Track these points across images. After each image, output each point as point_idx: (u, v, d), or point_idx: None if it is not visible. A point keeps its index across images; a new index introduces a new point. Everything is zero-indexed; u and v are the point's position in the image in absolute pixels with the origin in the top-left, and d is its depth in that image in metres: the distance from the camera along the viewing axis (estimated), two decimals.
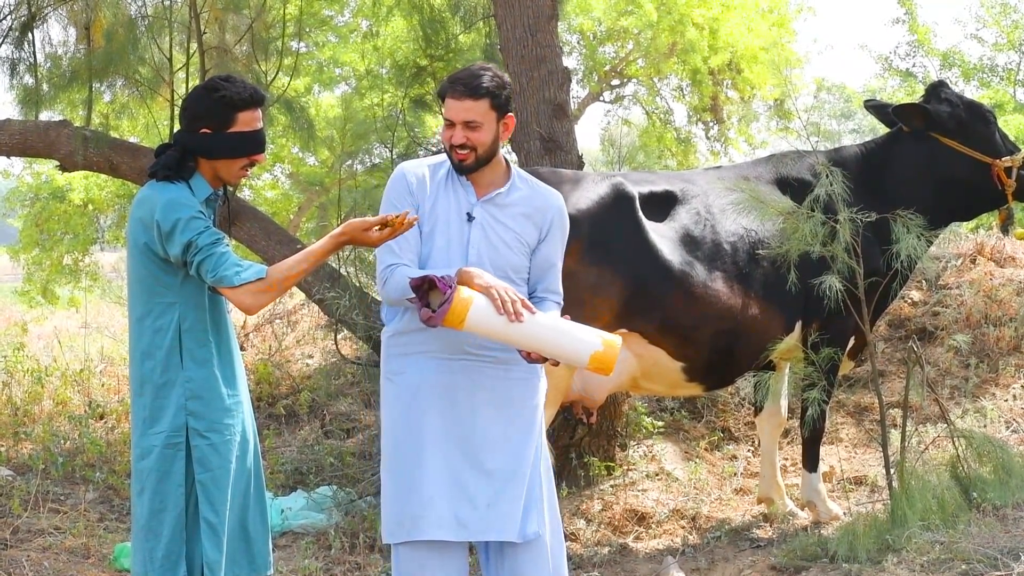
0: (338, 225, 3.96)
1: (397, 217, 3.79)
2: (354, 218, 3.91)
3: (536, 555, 3.99)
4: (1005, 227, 6.60)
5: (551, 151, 6.84)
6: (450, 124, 3.95)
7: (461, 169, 3.99)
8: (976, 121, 6.26)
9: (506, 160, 4.11)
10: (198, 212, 3.75)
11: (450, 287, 3.69)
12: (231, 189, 4.17)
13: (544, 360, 3.90)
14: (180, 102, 3.96)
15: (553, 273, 4.12)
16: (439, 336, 3.92)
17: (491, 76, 3.94)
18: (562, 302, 4.16)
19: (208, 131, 3.82)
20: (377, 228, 3.81)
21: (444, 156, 4.10)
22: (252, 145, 3.90)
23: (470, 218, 4.00)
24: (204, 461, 3.82)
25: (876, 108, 6.56)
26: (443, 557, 3.95)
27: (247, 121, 3.86)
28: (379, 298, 8.22)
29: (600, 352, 3.80)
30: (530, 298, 4.01)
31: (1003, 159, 6.20)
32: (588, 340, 3.82)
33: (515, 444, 4.00)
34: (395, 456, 4.01)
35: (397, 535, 3.96)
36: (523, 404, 4.05)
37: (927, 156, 6.25)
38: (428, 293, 3.74)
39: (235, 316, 10.38)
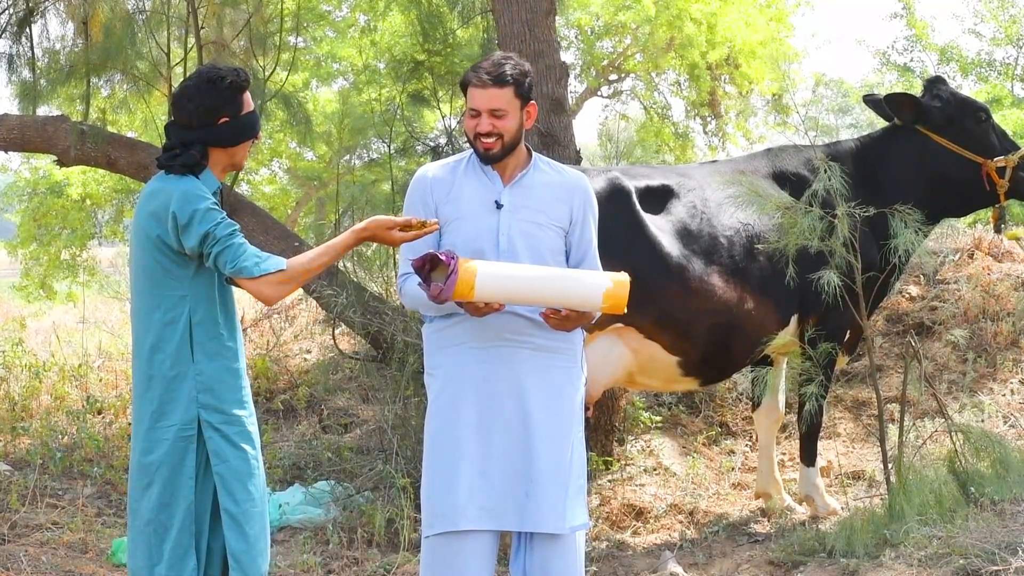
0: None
1: (421, 222, 3.81)
2: (379, 215, 3.92)
3: (566, 549, 3.98)
4: (997, 226, 6.60)
5: (549, 146, 6.84)
6: (475, 113, 3.96)
7: (488, 158, 3.99)
8: (967, 119, 6.26)
9: (527, 146, 4.12)
10: (214, 203, 3.76)
11: (453, 258, 3.70)
12: (225, 181, 4.17)
13: (568, 325, 3.90)
14: (175, 101, 3.93)
15: (592, 252, 4.12)
16: (476, 326, 3.92)
17: (513, 64, 3.98)
18: None
19: (227, 120, 3.84)
20: (400, 228, 3.83)
21: (464, 153, 4.12)
22: (258, 123, 3.98)
23: (498, 206, 4.00)
24: (220, 453, 3.82)
25: (875, 103, 6.56)
26: (475, 545, 3.94)
27: (248, 101, 3.93)
28: (376, 293, 8.24)
29: (611, 289, 3.81)
30: None
31: (996, 159, 6.20)
32: (597, 282, 3.84)
33: (556, 433, 3.99)
34: (434, 449, 4.01)
35: (435, 527, 3.96)
36: (563, 393, 4.04)
37: (918, 152, 6.26)
38: (431, 272, 3.75)
39: None
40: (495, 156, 3.98)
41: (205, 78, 3.86)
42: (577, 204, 4.08)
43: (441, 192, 4.04)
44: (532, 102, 4.04)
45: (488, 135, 3.95)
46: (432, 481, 4.00)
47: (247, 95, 3.90)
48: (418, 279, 3.81)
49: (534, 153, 4.13)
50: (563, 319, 3.87)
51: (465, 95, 4.02)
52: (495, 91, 3.93)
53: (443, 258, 3.71)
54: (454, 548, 3.93)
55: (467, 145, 4.12)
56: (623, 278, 3.86)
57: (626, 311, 3.91)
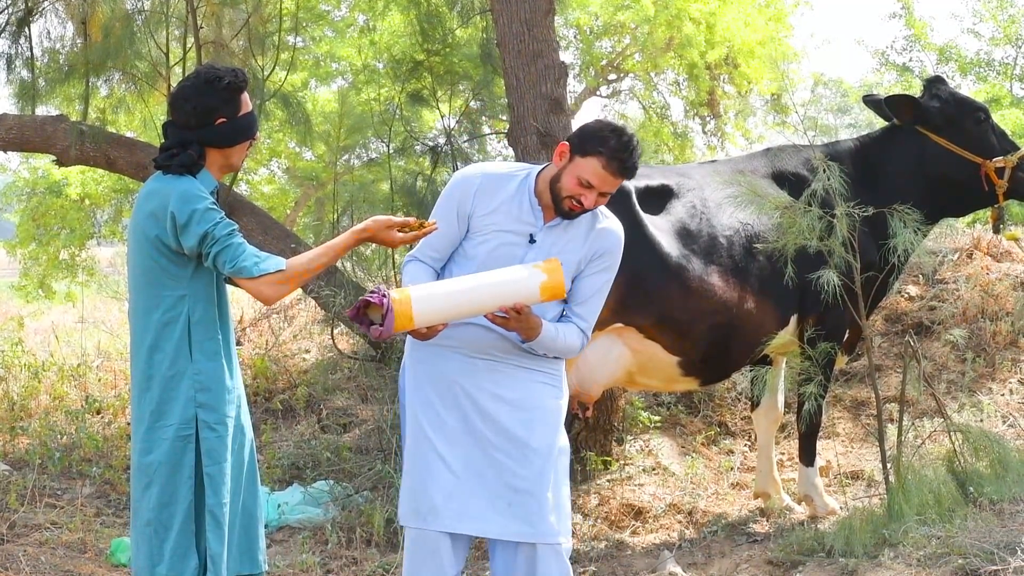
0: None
1: (420, 222, 3.81)
2: (379, 215, 3.92)
3: (551, 557, 3.97)
4: (996, 227, 6.60)
5: (548, 146, 6.83)
6: (585, 184, 3.85)
7: (569, 216, 3.94)
8: (966, 119, 6.26)
9: None
10: (213, 203, 3.76)
11: (384, 296, 3.68)
12: (223, 181, 4.16)
13: (511, 326, 3.80)
14: (173, 100, 3.92)
15: (591, 301, 4.03)
16: (466, 332, 3.91)
17: (639, 153, 3.88)
18: (588, 334, 4.06)
19: (224, 120, 3.83)
20: (399, 228, 3.83)
21: (523, 169, 4.05)
22: (255, 123, 3.95)
23: (531, 240, 3.96)
24: (213, 453, 3.82)
25: (874, 103, 6.56)
26: (454, 546, 3.98)
27: (246, 102, 3.91)
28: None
29: (546, 282, 3.74)
30: (561, 316, 4.01)
31: (995, 160, 6.20)
32: (531, 280, 3.75)
33: (538, 446, 3.97)
34: (414, 446, 4.02)
35: (411, 521, 3.99)
36: (544, 406, 4.02)
37: (917, 152, 6.26)
38: (367, 311, 3.73)
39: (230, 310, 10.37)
40: (574, 216, 3.95)
41: (203, 78, 3.86)
42: (600, 248, 4.00)
43: (483, 201, 3.97)
44: None
45: (582, 204, 3.88)
46: (411, 476, 4.02)
47: (245, 96, 3.90)
48: (359, 324, 3.78)
49: None
50: (507, 322, 3.79)
51: (578, 152, 3.88)
52: (620, 181, 3.89)
53: (374, 299, 3.69)
54: (431, 546, 3.97)
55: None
56: (553, 265, 3.78)
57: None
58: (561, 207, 3.91)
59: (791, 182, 6.14)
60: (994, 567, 4.45)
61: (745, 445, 7.66)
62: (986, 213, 8.41)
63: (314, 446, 7.37)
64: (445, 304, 3.73)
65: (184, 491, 3.81)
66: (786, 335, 6.07)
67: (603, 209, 4.08)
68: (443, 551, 3.96)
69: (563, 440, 4.08)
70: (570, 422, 6.79)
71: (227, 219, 3.76)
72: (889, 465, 5.70)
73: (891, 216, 5.64)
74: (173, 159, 3.79)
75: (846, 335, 6.20)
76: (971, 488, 5.37)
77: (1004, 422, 7.38)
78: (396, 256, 8.28)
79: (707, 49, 15.81)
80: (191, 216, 3.70)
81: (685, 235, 5.80)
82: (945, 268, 9.19)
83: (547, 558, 3.95)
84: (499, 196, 3.98)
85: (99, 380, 9.36)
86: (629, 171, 3.86)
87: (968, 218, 10.12)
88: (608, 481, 6.83)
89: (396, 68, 10.32)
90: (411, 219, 3.86)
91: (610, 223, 4.06)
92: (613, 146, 3.83)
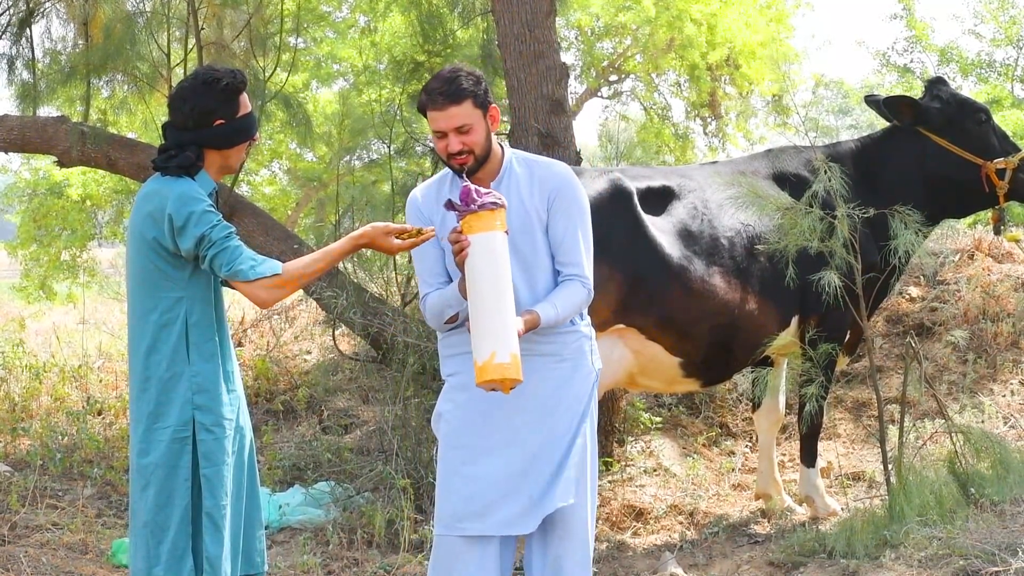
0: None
1: (418, 229, 3.81)
2: (377, 222, 3.92)
3: (565, 531, 3.98)
4: (997, 228, 6.61)
5: (549, 147, 6.84)
6: (441, 135, 3.90)
7: (465, 173, 3.93)
8: (966, 120, 6.26)
9: (501, 147, 4.05)
10: (210, 206, 3.76)
11: (477, 204, 3.68)
12: (225, 182, 4.16)
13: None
14: (171, 102, 3.92)
15: (569, 244, 3.98)
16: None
17: (465, 75, 3.90)
18: (586, 278, 3.99)
19: (222, 122, 3.83)
20: (396, 235, 3.83)
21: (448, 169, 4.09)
22: (254, 125, 3.96)
23: None
24: (210, 455, 3.82)
25: (876, 104, 6.56)
26: (476, 550, 3.95)
27: (245, 103, 3.91)
28: (376, 294, 8.24)
29: (479, 366, 3.65)
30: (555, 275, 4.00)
31: (995, 161, 6.20)
32: (487, 348, 3.64)
33: (559, 435, 3.96)
34: (445, 452, 4.03)
35: (437, 528, 4.01)
36: (567, 393, 4.00)
37: (918, 153, 6.27)
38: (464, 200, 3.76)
39: (232, 312, 10.37)
40: (471, 169, 3.94)
41: (201, 80, 3.86)
42: (551, 192, 3.98)
43: (432, 210, 4.01)
44: (492, 106, 3.97)
45: (459, 153, 3.90)
46: (439, 483, 4.04)
47: (244, 97, 3.90)
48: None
49: (507, 152, 4.06)
50: None
51: (426, 118, 3.96)
52: (454, 109, 3.86)
53: (469, 195, 3.71)
54: (454, 550, 3.96)
55: None
56: (501, 368, 3.61)
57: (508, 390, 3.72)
58: (455, 168, 3.95)
59: (792, 183, 6.14)
60: (995, 568, 4.45)
61: (746, 446, 7.66)
62: (987, 214, 8.40)
63: (315, 447, 7.37)
64: (485, 270, 3.67)
65: (181, 493, 3.81)
66: (787, 336, 6.07)
67: (538, 159, 4.11)
68: (463, 556, 3.94)
69: (584, 421, 4.04)
70: None
71: (224, 222, 3.77)
72: (890, 466, 5.70)
73: (892, 217, 5.64)
74: (171, 160, 3.80)
75: (847, 336, 6.20)
76: (972, 489, 5.37)
77: (1005, 423, 7.37)
78: (397, 259, 8.28)
79: (708, 50, 15.83)
80: (188, 218, 3.70)
81: (687, 236, 5.80)
82: (946, 269, 9.19)
83: (562, 531, 3.97)
84: (440, 200, 3.98)
85: (100, 381, 9.37)
86: (452, 93, 3.86)
87: (969, 219, 10.11)
88: (609, 482, 6.83)
89: (397, 69, 10.32)
90: (409, 226, 3.86)
91: (548, 168, 4.04)
92: (426, 91, 3.92)
